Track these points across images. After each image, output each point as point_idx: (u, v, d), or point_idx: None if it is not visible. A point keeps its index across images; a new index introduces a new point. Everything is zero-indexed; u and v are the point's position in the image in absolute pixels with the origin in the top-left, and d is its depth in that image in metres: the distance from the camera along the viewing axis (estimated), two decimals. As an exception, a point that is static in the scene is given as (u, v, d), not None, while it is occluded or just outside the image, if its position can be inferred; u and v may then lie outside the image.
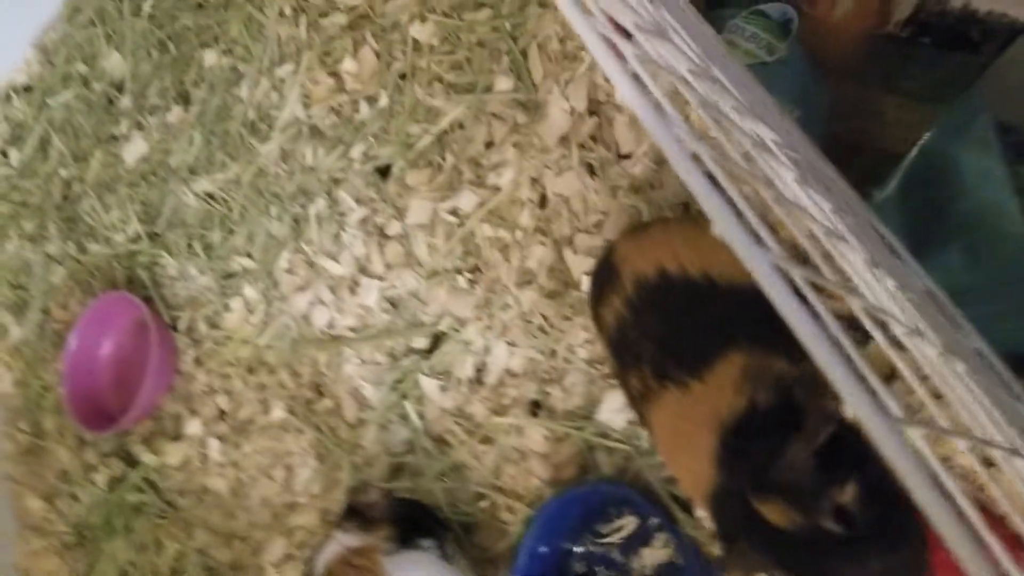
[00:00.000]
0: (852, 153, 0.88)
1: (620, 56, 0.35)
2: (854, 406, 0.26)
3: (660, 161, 0.82)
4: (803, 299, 0.31)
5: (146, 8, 1.32)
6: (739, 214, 0.31)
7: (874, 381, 0.30)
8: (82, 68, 1.39)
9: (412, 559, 0.81)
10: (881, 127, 0.91)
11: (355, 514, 0.87)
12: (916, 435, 0.32)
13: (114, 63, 1.35)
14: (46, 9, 1.44)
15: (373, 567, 0.81)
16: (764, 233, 0.33)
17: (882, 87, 0.92)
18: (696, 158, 0.32)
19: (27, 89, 1.47)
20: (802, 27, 1.07)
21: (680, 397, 0.58)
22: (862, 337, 0.45)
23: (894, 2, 0.91)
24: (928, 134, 0.86)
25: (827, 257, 0.40)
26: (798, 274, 0.32)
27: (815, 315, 0.30)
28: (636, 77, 0.35)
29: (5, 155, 1.45)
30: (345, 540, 0.82)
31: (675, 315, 0.61)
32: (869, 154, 0.88)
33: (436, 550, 0.82)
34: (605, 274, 0.68)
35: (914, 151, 0.86)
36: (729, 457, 0.52)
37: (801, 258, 0.52)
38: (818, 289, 0.33)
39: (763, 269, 0.27)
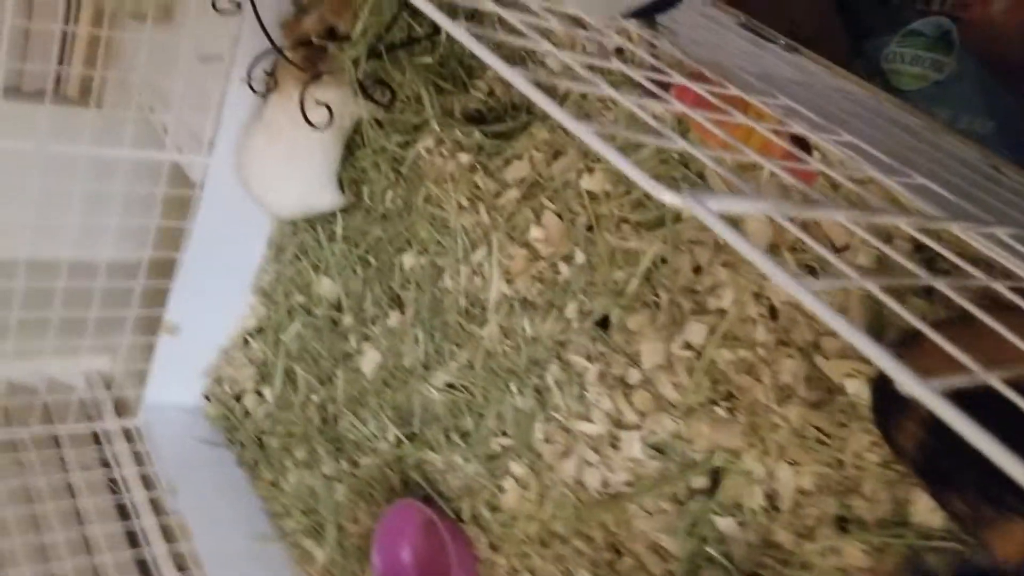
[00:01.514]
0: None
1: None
2: None
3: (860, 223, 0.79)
4: None
5: (338, 231, 1.42)
6: None
7: None
8: (300, 299, 1.51)
9: None
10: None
11: None
12: None
13: (326, 287, 1.46)
14: (255, 256, 1.59)
15: None
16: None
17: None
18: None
19: (259, 331, 1.61)
20: (963, 35, 1.01)
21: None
22: None
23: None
24: None
25: None
26: None
27: None
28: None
29: (260, 394, 1.59)
30: None
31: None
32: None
33: None
34: (888, 399, 0.66)
35: None
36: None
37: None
38: None
39: None
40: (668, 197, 0.38)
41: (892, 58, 1.08)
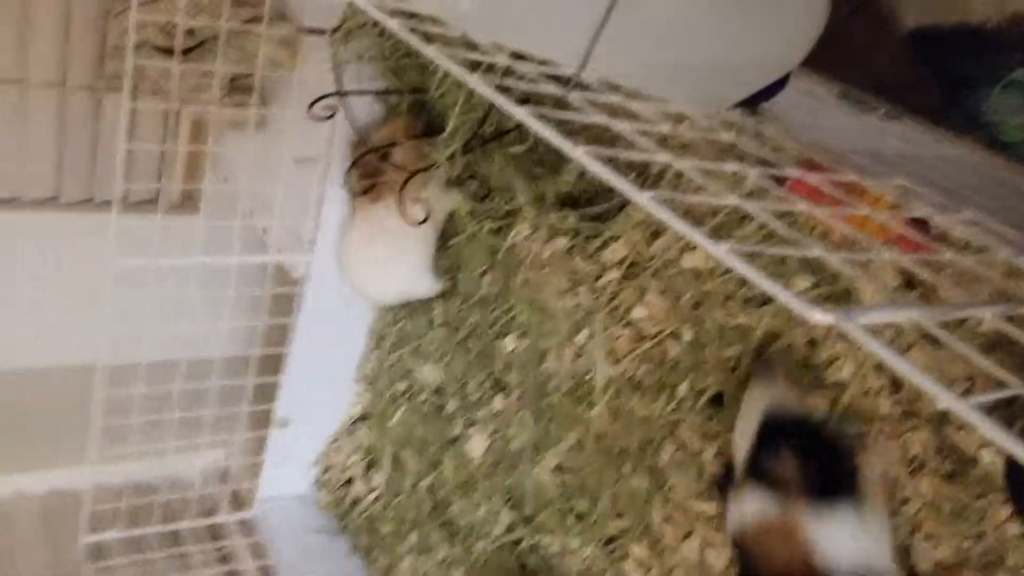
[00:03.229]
0: None
1: None
2: None
3: (1011, 317, 0.77)
4: None
5: (437, 318, 1.45)
6: None
7: None
8: (403, 385, 1.53)
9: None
10: None
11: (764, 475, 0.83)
12: None
13: (428, 373, 1.48)
14: (357, 346, 1.63)
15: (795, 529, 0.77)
16: None
17: None
18: None
19: (365, 418, 1.64)
20: (1068, 77, 0.99)
21: None
22: None
23: None
24: None
25: None
26: None
27: None
28: None
29: (369, 480, 1.62)
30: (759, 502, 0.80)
31: None
32: None
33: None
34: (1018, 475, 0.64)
35: None
36: None
37: None
38: None
39: None
40: (819, 316, 0.39)
41: (994, 110, 1.06)
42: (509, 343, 1.31)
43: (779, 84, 0.67)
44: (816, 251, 0.45)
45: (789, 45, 0.63)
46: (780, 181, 0.63)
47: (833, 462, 0.80)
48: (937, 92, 1.16)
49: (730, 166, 0.56)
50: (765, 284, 0.39)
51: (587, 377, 1.18)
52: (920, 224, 0.62)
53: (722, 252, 0.41)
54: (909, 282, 0.85)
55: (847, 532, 0.76)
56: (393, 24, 0.61)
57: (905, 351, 0.84)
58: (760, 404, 0.84)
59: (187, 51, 1.39)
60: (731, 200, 0.48)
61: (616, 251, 1.13)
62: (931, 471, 0.84)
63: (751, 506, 0.80)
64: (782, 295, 0.38)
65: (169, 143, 1.77)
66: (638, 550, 1.11)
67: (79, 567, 1.47)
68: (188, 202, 1.93)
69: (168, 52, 1.36)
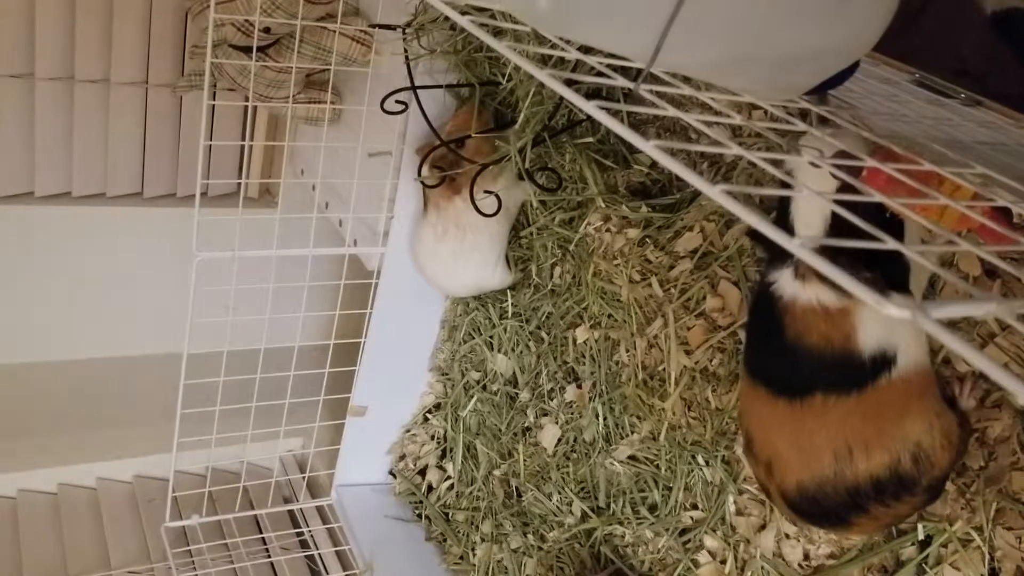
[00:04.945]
0: None
1: None
2: None
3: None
4: None
5: (508, 309, 1.46)
6: None
7: None
8: (476, 375, 1.55)
9: None
10: None
11: None
12: None
13: (500, 363, 1.49)
14: (431, 336, 1.65)
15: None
16: None
17: None
18: None
19: (438, 407, 1.66)
20: None
21: None
22: None
23: None
24: None
25: None
26: None
27: None
28: None
29: (443, 469, 1.64)
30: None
31: None
32: None
33: None
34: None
35: None
36: None
37: None
38: None
39: None
40: (893, 310, 0.38)
41: None
42: (581, 334, 1.31)
43: (849, 69, 0.66)
44: (891, 243, 0.44)
45: (861, 29, 0.62)
46: (856, 170, 0.61)
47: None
48: (1019, 77, 1.13)
49: (804, 156, 0.56)
50: (838, 277, 0.38)
51: (660, 368, 1.18)
52: (1003, 213, 0.61)
53: (795, 246, 0.41)
54: (990, 272, 0.83)
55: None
56: (464, 20, 0.62)
57: (987, 341, 0.82)
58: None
59: (263, 48, 1.42)
60: (804, 192, 0.48)
61: (689, 241, 1.13)
62: (1015, 463, 0.81)
63: (809, 294, 0.81)
64: (855, 287, 0.38)
65: (247, 139, 1.82)
66: (712, 542, 1.11)
67: (164, 552, 1.53)
68: (266, 196, 1.98)
69: (245, 50, 1.40)
